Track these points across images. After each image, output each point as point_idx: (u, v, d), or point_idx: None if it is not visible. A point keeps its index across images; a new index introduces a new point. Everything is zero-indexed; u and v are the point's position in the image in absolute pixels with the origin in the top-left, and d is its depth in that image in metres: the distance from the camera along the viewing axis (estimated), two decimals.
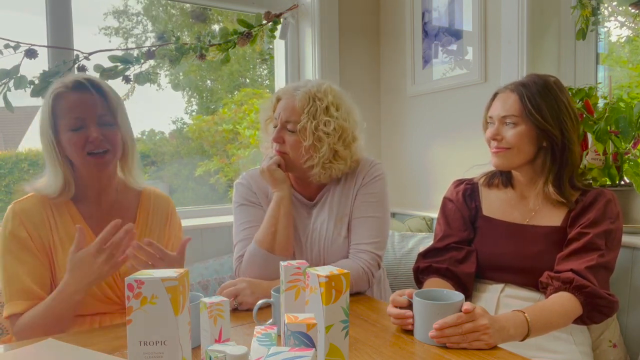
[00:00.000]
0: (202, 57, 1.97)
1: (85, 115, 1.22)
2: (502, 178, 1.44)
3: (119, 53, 1.86)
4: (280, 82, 2.47)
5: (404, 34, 2.41)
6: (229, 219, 1.90)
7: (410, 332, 1.09)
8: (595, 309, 1.19)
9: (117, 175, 1.36)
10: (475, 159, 1.58)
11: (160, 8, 2.58)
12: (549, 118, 1.28)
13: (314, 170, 1.42)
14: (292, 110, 1.40)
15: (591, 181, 1.48)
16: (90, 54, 1.83)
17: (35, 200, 1.26)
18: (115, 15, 2.34)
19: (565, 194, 1.31)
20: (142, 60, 1.88)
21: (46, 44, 1.84)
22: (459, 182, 1.51)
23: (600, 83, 1.86)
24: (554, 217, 1.33)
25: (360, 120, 1.50)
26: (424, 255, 1.43)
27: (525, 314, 1.09)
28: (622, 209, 1.34)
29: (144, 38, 2.46)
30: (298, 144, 1.40)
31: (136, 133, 1.41)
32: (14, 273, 1.20)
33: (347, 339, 0.92)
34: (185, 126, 2.75)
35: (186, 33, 2.60)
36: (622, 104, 1.55)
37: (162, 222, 1.41)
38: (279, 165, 1.43)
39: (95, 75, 1.77)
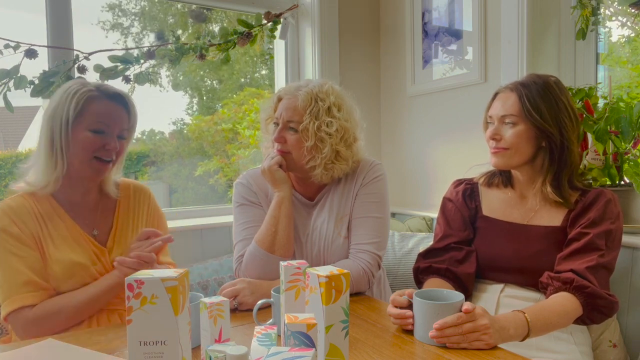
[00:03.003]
0: (202, 57, 1.97)
1: (113, 124, 1.30)
2: (501, 178, 1.44)
3: (119, 53, 1.86)
4: (280, 82, 2.47)
5: (404, 34, 2.41)
6: (229, 219, 1.90)
7: (410, 332, 1.09)
8: (595, 309, 1.19)
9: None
10: (475, 159, 1.58)
11: (159, 9, 2.58)
12: (548, 118, 1.28)
13: (316, 171, 1.42)
14: (294, 110, 1.40)
15: (591, 181, 1.48)
16: (90, 54, 1.83)
17: (21, 199, 1.29)
18: (112, 12, 2.34)
19: (564, 194, 1.31)
20: (142, 60, 1.88)
21: (46, 44, 1.84)
22: (459, 182, 1.51)
23: (600, 83, 1.86)
24: (553, 217, 1.32)
25: (361, 120, 1.50)
26: (424, 255, 1.43)
27: (526, 314, 1.09)
28: (622, 209, 1.34)
29: (141, 36, 2.46)
30: (300, 144, 1.40)
31: (136, 133, 1.44)
32: (14, 268, 1.21)
33: (347, 339, 0.92)
34: (185, 126, 2.75)
35: (183, 32, 2.60)
36: (622, 104, 1.55)
37: (143, 214, 1.45)
38: (280, 166, 1.43)
39: (95, 75, 1.77)
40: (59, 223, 1.29)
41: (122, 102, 1.33)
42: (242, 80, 2.97)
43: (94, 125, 1.28)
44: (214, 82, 2.91)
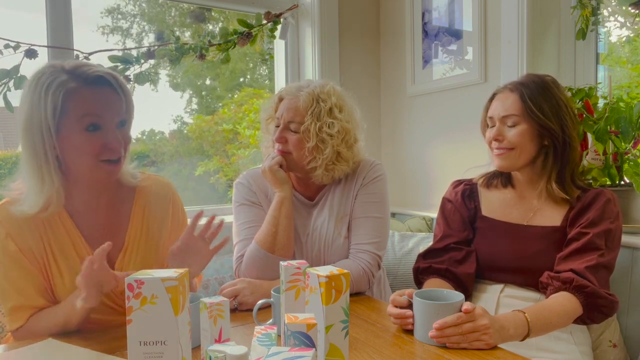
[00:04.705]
0: (202, 57, 1.97)
1: (107, 114, 1.08)
2: (501, 178, 1.44)
3: (119, 53, 1.86)
4: (280, 82, 2.47)
5: (404, 34, 2.41)
6: (229, 219, 1.90)
7: (410, 332, 1.09)
8: (595, 309, 1.19)
9: None
10: (474, 159, 1.58)
11: (158, 8, 2.57)
12: (550, 115, 1.29)
13: (317, 171, 1.42)
14: (295, 110, 1.40)
15: (591, 181, 1.48)
16: (90, 53, 1.83)
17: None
18: (112, 15, 2.34)
19: (568, 190, 1.31)
20: (142, 60, 1.88)
21: (46, 44, 1.84)
22: (458, 183, 1.51)
23: (600, 83, 1.86)
24: (553, 217, 1.33)
25: (361, 121, 1.50)
26: (423, 255, 1.43)
27: (526, 314, 1.09)
28: (622, 209, 1.34)
29: (142, 36, 2.46)
30: (301, 144, 1.40)
31: (136, 133, 1.40)
32: (7, 288, 1.12)
33: (347, 339, 0.92)
34: (185, 126, 2.75)
35: (186, 33, 2.60)
36: (622, 104, 1.55)
37: (164, 211, 1.29)
38: (280, 166, 1.43)
39: None
40: (65, 239, 1.15)
41: (107, 84, 1.08)
42: (242, 79, 2.97)
43: (85, 122, 1.05)
44: (214, 82, 2.90)
